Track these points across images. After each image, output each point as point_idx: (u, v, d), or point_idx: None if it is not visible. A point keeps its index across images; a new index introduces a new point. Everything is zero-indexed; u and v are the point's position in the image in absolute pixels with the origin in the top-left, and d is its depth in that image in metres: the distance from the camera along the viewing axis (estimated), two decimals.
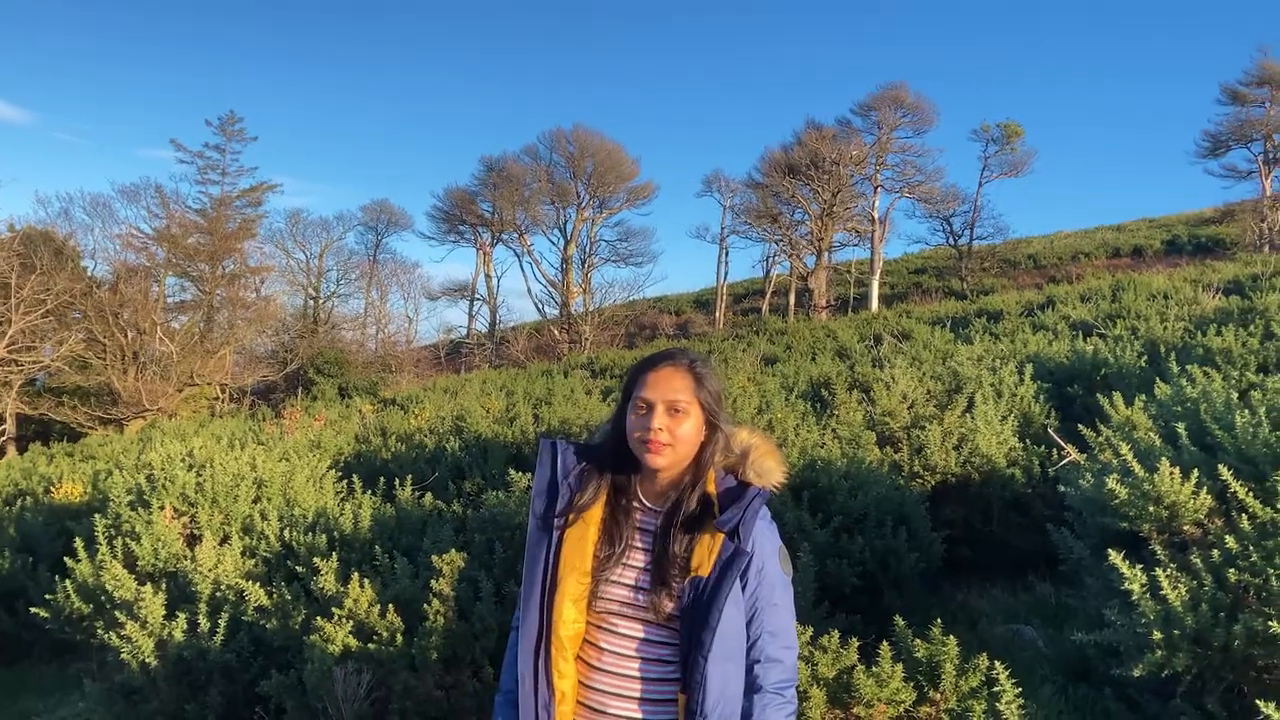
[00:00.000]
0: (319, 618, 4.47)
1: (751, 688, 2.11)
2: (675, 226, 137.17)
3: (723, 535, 2.10)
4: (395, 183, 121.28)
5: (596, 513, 2.18)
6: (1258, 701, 2.46)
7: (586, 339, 42.06)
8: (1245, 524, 3.01)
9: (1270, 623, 2.70)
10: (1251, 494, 3.02)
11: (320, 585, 4.76)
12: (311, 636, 4.42)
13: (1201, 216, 51.06)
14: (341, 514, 6.13)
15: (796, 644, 2.23)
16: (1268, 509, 2.97)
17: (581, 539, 2.15)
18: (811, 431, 7.19)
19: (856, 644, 3.25)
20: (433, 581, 4.57)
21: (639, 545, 2.16)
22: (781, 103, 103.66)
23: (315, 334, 44.12)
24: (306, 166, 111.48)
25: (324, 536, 5.64)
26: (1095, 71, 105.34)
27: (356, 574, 4.64)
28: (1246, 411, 3.51)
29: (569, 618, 2.11)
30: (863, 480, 6.09)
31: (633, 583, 2.13)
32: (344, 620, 4.45)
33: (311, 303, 49.94)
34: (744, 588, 2.11)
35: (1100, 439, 5.25)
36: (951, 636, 3.11)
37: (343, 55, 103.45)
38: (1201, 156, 49.28)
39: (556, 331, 45.80)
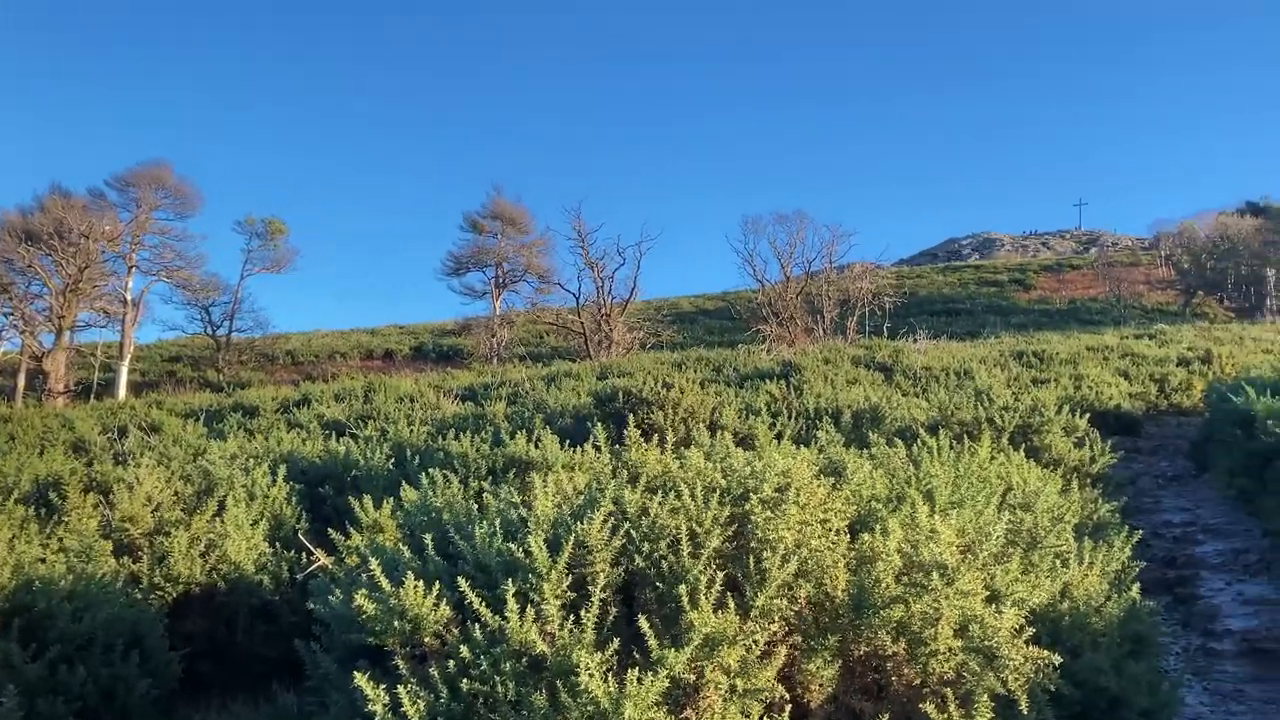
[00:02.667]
0: None
1: None
2: None
3: None
4: None
5: None
6: None
7: None
8: (478, 633, 3.18)
9: None
10: (485, 603, 3.20)
11: None
12: None
13: (444, 328, 56.59)
14: None
15: None
16: (497, 617, 3.17)
17: None
18: (31, 544, 6.17)
19: None
20: None
21: None
22: (22, 163, 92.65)
23: None
24: None
25: None
26: (363, 187, 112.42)
27: None
28: (484, 522, 3.77)
29: None
30: (91, 600, 5.35)
31: None
32: None
33: None
34: None
35: (350, 544, 5.29)
36: None
37: None
38: (447, 274, 55.19)
39: None
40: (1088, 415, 10.45)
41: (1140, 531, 10.72)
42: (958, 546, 3.69)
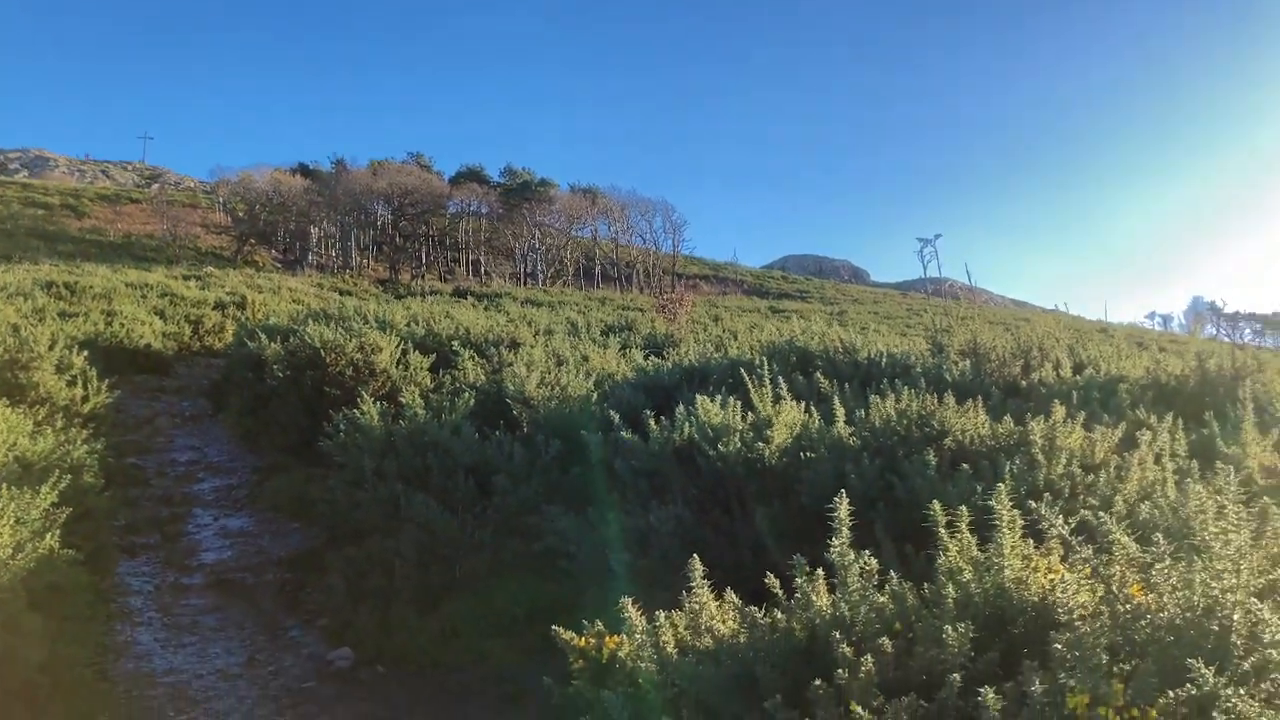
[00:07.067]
0: None
1: None
2: None
3: None
4: None
5: None
6: None
7: None
8: None
9: None
10: None
11: None
12: None
13: None
14: None
15: None
16: None
17: None
18: None
19: None
20: None
21: None
22: None
23: None
24: None
25: None
26: None
27: None
28: None
29: None
30: None
31: None
32: None
33: None
34: None
35: None
36: None
37: None
38: None
39: None
40: (88, 352, 9.97)
41: (144, 470, 10.65)
42: None
